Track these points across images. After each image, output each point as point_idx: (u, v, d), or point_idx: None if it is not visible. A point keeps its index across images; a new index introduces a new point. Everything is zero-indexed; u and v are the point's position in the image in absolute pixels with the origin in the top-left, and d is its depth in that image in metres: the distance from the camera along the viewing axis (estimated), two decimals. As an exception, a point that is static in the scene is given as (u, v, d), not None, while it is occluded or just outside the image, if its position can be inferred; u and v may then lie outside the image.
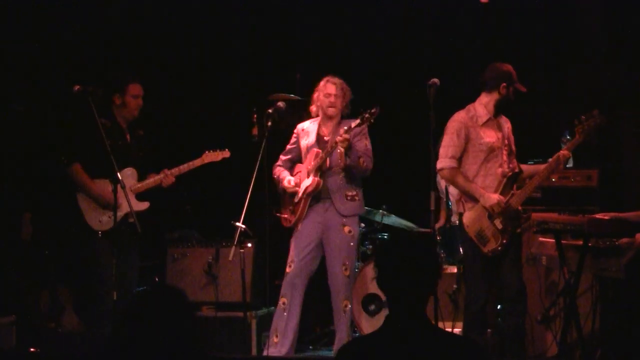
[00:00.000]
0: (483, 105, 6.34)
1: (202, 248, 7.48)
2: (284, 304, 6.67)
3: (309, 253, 6.67)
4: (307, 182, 6.62)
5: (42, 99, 8.16)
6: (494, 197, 6.18)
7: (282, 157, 6.90)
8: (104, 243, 6.69)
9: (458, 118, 6.33)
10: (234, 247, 6.36)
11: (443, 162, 6.24)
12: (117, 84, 6.78)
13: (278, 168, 6.89)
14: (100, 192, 6.75)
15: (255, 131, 7.29)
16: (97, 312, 6.74)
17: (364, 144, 6.59)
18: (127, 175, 6.64)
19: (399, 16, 8.62)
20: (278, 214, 6.81)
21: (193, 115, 8.72)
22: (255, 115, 7.34)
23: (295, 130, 6.87)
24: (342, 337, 6.62)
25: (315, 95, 6.70)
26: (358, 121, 6.33)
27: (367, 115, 6.30)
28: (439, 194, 7.02)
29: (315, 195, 6.65)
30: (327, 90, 6.63)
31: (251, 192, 6.42)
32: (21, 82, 8.25)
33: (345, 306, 6.64)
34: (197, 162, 6.96)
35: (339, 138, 6.39)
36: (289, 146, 6.87)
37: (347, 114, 6.70)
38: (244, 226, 6.36)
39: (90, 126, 6.71)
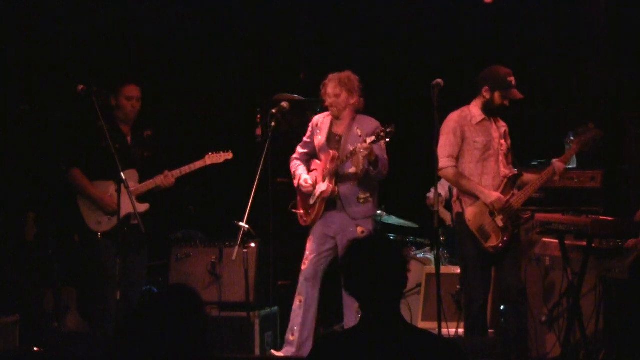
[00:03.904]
0: (477, 106, 6.37)
1: (206, 248, 7.47)
2: (300, 301, 6.62)
3: (324, 252, 6.63)
4: (322, 186, 6.57)
5: (45, 100, 8.18)
6: (494, 194, 6.21)
7: (299, 150, 6.83)
8: (105, 244, 6.71)
9: (452, 118, 6.36)
10: (237, 247, 6.37)
11: (442, 162, 6.25)
12: (112, 85, 6.81)
13: (295, 162, 6.82)
14: (100, 195, 6.77)
15: (259, 131, 7.27)
16: (100, 312, 6.76)
17: (380, 148, 6.48)
18: (127, 177, 6.63)
19: (402, 16, 8.62)
20: (294, 210, 6.78)
21: (197, 115, 8.73)
22: (259, 116, 7.32)
23: (310, 124, 6.81)
24: None
25: (322, 92, 6.63)
26: (373, 138, 6.24)
27: (382, 134, 6.22)
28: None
29: (330, 199, 6.62)
30: (327, 89, 6.56)
31: (255, 192, 6.42)
32: (25, 83, 8.26)
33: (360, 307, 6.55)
34: (199, 164, 6.96)
35: (360, 147, 6.28)
36: (305, 139, 6.80)
37: (362, 107, 6.59)
38: (247, 226, 6.36)
39: (89, 128, 6.74)
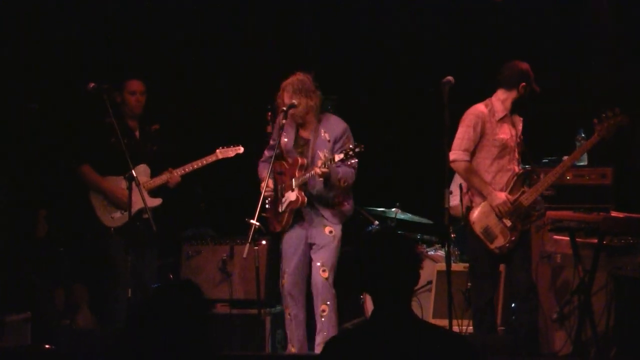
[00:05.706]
0: (500, 101, 6.27)
1: (217, 245, 7.49)
2: (289, 315, 6.58)
3: (299, 261, 6.51)
4: (292, 196, 6.44)
5: (53, 98, 8.20)
6: (501, 197, 6.13)
7: (266, 153, 6.69)
8: (117, 240, 6.74)
9: (476, 111, 6.27)
10: (248, 244, 6.35)
11: (456, 154, 6.20)
12: (116, 81, 6.83)
13: (262, 165, 6.69)
14: (112, 189, 6.81)
15: (269, 129, 7.29)
16: (111, 309, 6.79)
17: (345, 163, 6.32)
18: (139, 172, 6.67)
19: (413, 13, 8.62)
20: (263, 214, 6.58)
21: (208, 113, 8.74)
22: (270, 113, 7.34)
23: (275, 124, 6.66)
24: (320, 342, 6.42)
25: (279, 102, 6.49)
26: (342, 156, 6.17)
27: (351, 153, 6.14)
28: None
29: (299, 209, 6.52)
30: (283, 100, 6.42)
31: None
32: (34, 81, 8.28)
33: (323, 311, 6.45)
34: (211, 158, 7.00)
35: (317, 171, 6.23)
36: (272, 142, 6.66)
37: (323, 106, 6.53)
38: (258, 223, 6.34)
39: (98, 125, 6.77)
